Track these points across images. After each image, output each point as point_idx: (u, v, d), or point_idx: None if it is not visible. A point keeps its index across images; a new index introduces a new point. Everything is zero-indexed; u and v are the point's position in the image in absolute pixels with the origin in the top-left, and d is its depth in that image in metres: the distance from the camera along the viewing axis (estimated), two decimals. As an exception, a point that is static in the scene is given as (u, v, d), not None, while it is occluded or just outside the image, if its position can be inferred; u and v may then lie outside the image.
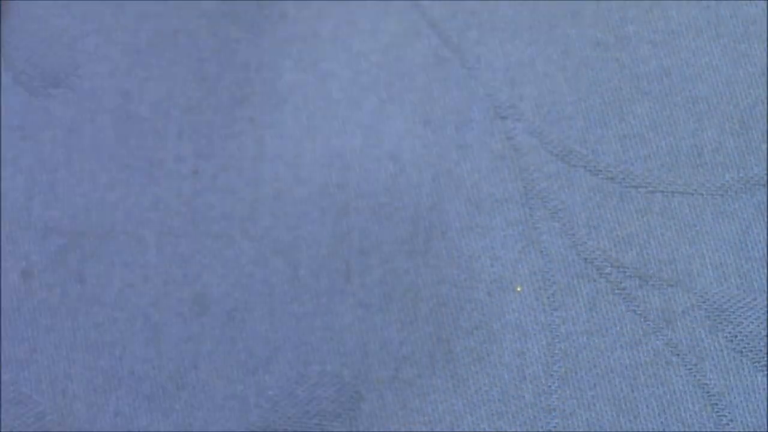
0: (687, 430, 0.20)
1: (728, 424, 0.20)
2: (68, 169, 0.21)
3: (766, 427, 0.20)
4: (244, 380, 0.20)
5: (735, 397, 0.20)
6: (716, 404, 0.20)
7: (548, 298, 0.20)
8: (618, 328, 0.20)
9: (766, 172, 0.21)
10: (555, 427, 0.20)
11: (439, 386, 0.20)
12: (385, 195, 0.21)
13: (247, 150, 0.21)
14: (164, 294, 0.21)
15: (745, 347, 0.20)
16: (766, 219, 0.21)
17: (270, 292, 0.20)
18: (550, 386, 0.20)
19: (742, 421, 0.20)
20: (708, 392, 0.20)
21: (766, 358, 0.20)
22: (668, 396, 0.20)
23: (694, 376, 0.20)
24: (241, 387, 0.20)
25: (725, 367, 0.20)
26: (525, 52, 0.22)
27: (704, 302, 0.20)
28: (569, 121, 0.21)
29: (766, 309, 0.20)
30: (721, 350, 0.20)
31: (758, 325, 0.20)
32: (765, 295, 0.20)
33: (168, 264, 0.21)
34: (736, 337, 0.20)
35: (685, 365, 0.20)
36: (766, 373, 0.20)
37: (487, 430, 0.20)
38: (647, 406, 0.20)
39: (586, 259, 0.21)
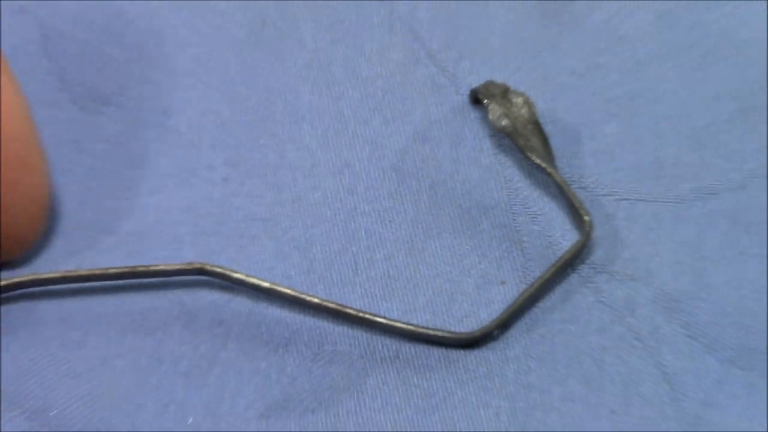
0: (646, 404, 0.20)
1: (682, 399, 0.20)
2: (116, 176, 0.22)
3: (714, 400, 0.20)
4: (267, 358, 0.20)
5: (688, 376, 0.20)
6: (671, 382, 0.20)
7: (523, 282, 0.21)
8: (588, 316, 0.20)
9: (717, 183, 0.22)
10: (533, 400, 0.20)
11: (433, 365, 0.20)
12: (388, 200, 0.22)
13: (270, 160, 0.22)
14: (198, 285, 0.21)
15: (697, 333, 0.20)
16: (716, 224, 0.21)
17: (289, 283, 0.21)
18: (529, 366, 0.20)
19: (693, 396, 0.20)
20: (664, 372, 0.20)
21: (714, 343, 0.20)
22: (630, 375, 0.20)
23: (653, 357, 0.20)
24: (265, 364, 0.20)
25: (679, 351, 0.20)
26: (510, 79, 0.22)
27: (662, 295, 0.21)
28: (553, 138, 0.22)
29: (715, 301, 0.20)
30: (676, 336, 0.20)
31: (708, 315, 0.20)
32: (715, 290, 0.21)
33: (201, 259, 0.21)
34: (689, 324, 0.20)
35: (645, 348, 0.20)
36: (714, 355, 0.20)
37: (474, 402, 0.20)
38: (612, 383, 0.20)
39: (554, 250, 0.21)
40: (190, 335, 0.21)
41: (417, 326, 0.20)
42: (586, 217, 0.20)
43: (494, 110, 0.20)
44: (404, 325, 0.20)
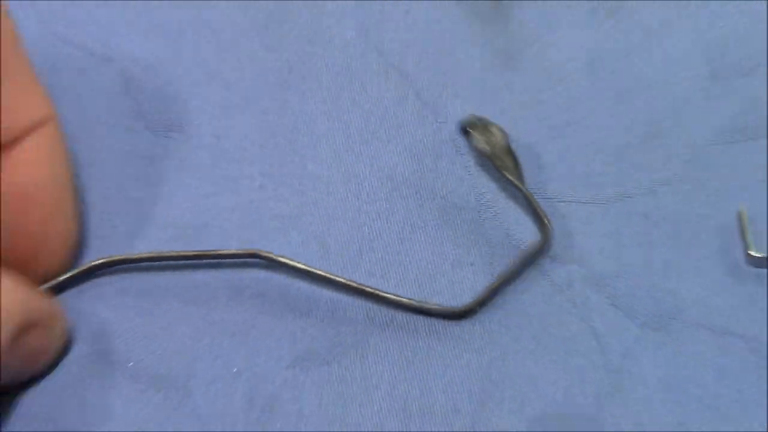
0: (580, 355, 0.19)
1: (608, 353, 0.19)
2: (179, 184, 0.22)
3: (632, 353, 0.19)
4: (293, 323, 0.20)
5: (611, 335, 0.20)
6: (599, 340, 0.20)
7: (492, 270, 0.21)
8: (536, 289, 0.20)
9: (633, 189, 0.21)
10: (491, 352, 0.19)
11: (420, 329, 0.20)
12: (385, 203, 0.22)
13: (295, 172, 0.22)
14: (237, 268, 0.21)
15: (618, 303, 0.20)
16: (632, 220, 0.21)
17: (308, 260, 0.20)
18: (491, 327, 0.20)
19: (616, 350, 0.19)
20: (594, 332, 0.20)
21: (632, 310, 0.20)
22: (568, 334, 0.20)
23: (585, 322, 0.20)
24: (292, 327, 0.20)
25: (605, 316, 0.20)
26: (476, 111, 0.22)
27: (592, 274, 0.20)
28: (504, 155, 0.21)
29: (632, 278, 0.20)
30: (603, 305, 0.20)
31: (627, 289, 0.20)
32: (631, 269, 0.20)
33: (244, 240, 0.21)
34: (612, 296, 0.20)
35: (579, 315, 0.20)
36: (632, 320, 0.20)
37: (450, 355, 0.19)
38: (555, 341, 0.20)
39: (515, 245, 0.21)
40: (236, 304, 0.20)
41: (415, 300, 0.20)
42: (547, 223, 0.20)
43: (477, 138, 0.20)
44: (405, 299, 0.20)
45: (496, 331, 0.20)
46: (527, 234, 0.21)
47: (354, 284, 0.20)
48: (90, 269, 0.20)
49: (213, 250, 0.20)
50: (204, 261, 0.21)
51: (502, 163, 0.20)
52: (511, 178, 0.20)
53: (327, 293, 0.21)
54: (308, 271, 0.20)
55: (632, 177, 0.21)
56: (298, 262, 0.20)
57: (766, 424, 0.18)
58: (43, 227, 0.18)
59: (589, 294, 0.20)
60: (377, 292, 0.20)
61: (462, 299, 0.20)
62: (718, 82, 0.22)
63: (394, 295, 0.20)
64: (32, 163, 0.17)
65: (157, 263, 0.21)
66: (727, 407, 0.19)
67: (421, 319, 0.20)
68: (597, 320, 0.20)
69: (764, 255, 0.20)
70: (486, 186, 0.22)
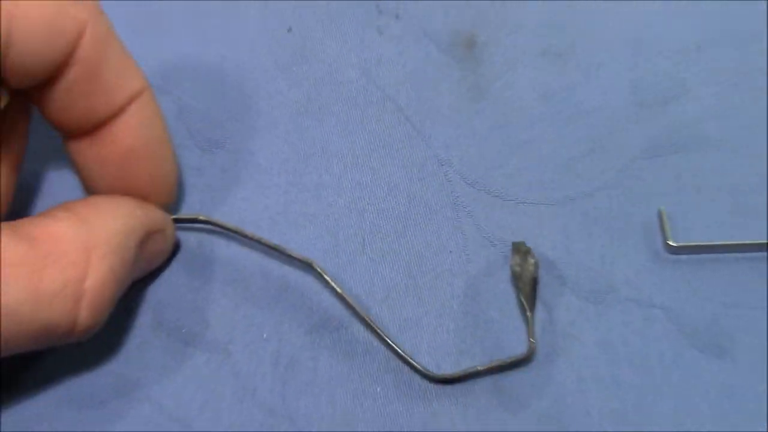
0: (537, 326, 0.19)
1: (556, 322, 0.19)
2: (223, 190, 0.21)
3: (576, 322, 0.19)
4: (310, 299, 0.20)
5: (560, 308, 0.19)
6: (552, 313, 0.19)
7: (466, 255, 0.20)
8: (500, 273, 0.20)
9: (576, 193, 0.21)
10: (456, 295, 0.19)
11: (408, 303, 0.19)
12: (383, 204, 0.21)
13: (313, 181, 0.21)
14: (271, 254, 0.20)
15: (565, 281, 0.20)
16: (575, 217, 0.21)
17: (324, 252, 0.20)
18: (465, 292, 0.19)
19: (563, 320, 0.19)
20: (547, 307, 0.19)
21: (576, 287, 0.19)
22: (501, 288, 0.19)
23: (540, 298, 0.19)
24: (309, 302, 0.19)
25: (554, 292, 0.19)
26: (456, 131, 0.22)
27: (544, 259, 0.20)
28: (477, 167, 0.21)
29: (575, 261, 0.20)
30: (553, 283, 0.19)
31: (571, 270, 0.20)
32: (574, 255, 0.20)
33: (272, 234, 0.20)
34: (560, 276, 0.20)
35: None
36: (576, 294, 0.19)
37: (434, 325, 0.19)
38: (494, 296, 0.19)
39: (484, 236, 0.20)
40: (265, 283, 0.20)
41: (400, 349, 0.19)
42: (533, 343, 0.18)
43: (515, 259, 0.19)
44: (399, 350, 0.18)
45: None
46: (493, 228, 0.21)
47: (371, 322, 0.19)
48: (193, 220, 0.19)
49: (273, 243, 0.19)
50: (271, 251, 0.20)
51: (522, 286, 0.19)
52: (522, 300, 0.19)
53: (338, 276, 0.20)
54: (341, 295, 0.19)
55: (576, 184, 0.21)
56: (338, 285, 0.19)
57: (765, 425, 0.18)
58: (151, 175, 0.18)
59: (542, 274, 0.20)
60: (387, 338, 0.19)
61: (443, 278, 0.20)
62: (643, 109, 0.22)
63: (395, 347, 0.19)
64: (136, 126, 0.17)
65: (234, 235, 0.20)
66: (650, 364, 0.19)
67: (409, 298, 0.20)
68: (547, 295, 0.20)
69: (679, 244, 0.20)
70: (461, 191, 0.21)
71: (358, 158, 0.22)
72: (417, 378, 0.19)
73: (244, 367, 0.19)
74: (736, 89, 0.21)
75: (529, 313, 0.19)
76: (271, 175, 0.21)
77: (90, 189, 0.18)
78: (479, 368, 0.18)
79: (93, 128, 0.17)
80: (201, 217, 0.20)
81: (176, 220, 0.20)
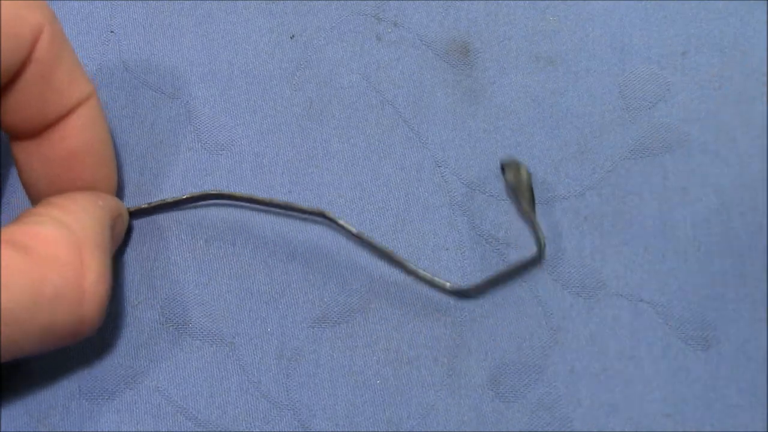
0: (530, 321, 0.19)
1: (550, 315, 0.19)
2: (229, 189, 0.21)
3: (568, 316, 0.19)
4: (312, 293, 0.20)
5: (554, 304, 0.19)
6: (545, 308, 0.19)
7: (459, 249, 0.20)
8: (494, 265, 0.20)
9: (566, 192, 0.21)
10: (462, 316, 0.19)
11: (409, 297, 0.20)
12: (382, 202, 0.21)
13: (315, 180, 0.21)
14: (274, 250, 0.20)
15: (559, 279, 0.20)
16: (566, 216, 0.20)
17: (324, 246, 0.20)
18: (463, 266, 0.20)
19: (558, 315, 0.19)
20: (540, 302, 0.19)
21: (568, 283, 0.19)
22: (520, 303, 0.19)
23: (533, 293, 0.20)
24: (311, 297, 0.20)
25: (549, 289, 0.20)
26: (451, 134, 0.22)
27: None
28: (472, 167, 0.21)
29: (566, 258, 0.20)
30: (547, 280, 0.20)
31: (565, 268, 0.20)
32: (564, 252, 0.20)
33: (276, 232, 0.20)
34: (555, 273, 0.20)
35: (529, 288, 0.20)
36: (568, 290, 0.19)
37: (432, 319, 0.19)
38: (510, 308, 0.19)
39: (479, 234, 0.21)
40: (269, 280, 0.20)
41: (423, 271, 0.19)
42: (542, 239, 0.19)
43: (509, 174, 0.20)
44: (415, 268, 0.19)
45: (465, 301, 0.20)
46: (488, 226, 0.21)
47: (389, 251, 0.19)
48: (204, 196, 0.19)
49: (284, 201, 0.20)
50: (274, 210, 0.20)
51: (521, 194, 0.19)
52: (524, 205, 0.19)
53: (339, 270, 0.20)
54: (358, 235, 0.19)
55: (566, 183, 0.21)
56: (352, 227, 0.19)
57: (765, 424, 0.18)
58: (94, 175, 0.18)
59: (536, 272, 0.20)
60: (406, 263, 0.19)
61: (439, 275, 0.20)
62: (630, 113, 0.22)
63: (411, 263, 0.19)
64: (83, 128, 0.17)
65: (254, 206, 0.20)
66: (639, 356, 0.19)
67: (411, 290, 0.20)
68: (541, 291, 0.20)
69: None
70: (456, 191, 0.21)
71: (357, 159, 0.21)
72: (415, 372, 0.19)
73: (249, 360, 0.19)
74: (719, 92, 0.21)
75: (533, 216, 0.19)
76: (275, 175, 0.21)
77: (32, 189, 0.18)
78: (497, 275, 0.18)
79: (42, 129, 0.17)
80: (212, 192, 0.20)
81: (189, 199, 0.20)
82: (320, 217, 0.19)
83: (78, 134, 0.17)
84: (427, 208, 0.21)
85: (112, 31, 0.22)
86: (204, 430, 0.18)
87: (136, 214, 0.20)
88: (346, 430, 0.18)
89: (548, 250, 0.20)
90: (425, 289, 0.20)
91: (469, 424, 0.18)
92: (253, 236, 0.21)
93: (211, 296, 0.20)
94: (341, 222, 0.19)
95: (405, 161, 0.22)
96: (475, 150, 0.21)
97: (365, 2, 0.23)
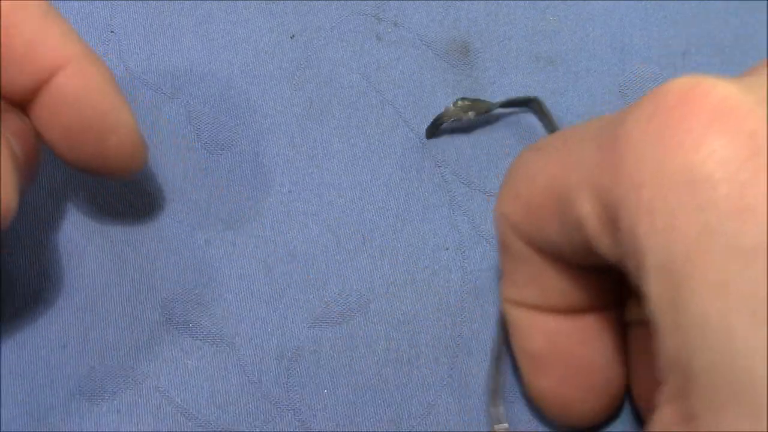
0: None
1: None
2: (229, 188, 0.21)
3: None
4: (313, 293, 0.20)
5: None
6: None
7: (459, 249, 0.20)
8: (494, 264, 0.20)
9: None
10: (461, 316, 0.19)
11: (408, 298, 0.19)
12: (382, 202, 0.21)
13: (315, 180, 0.21)
14: (273, 250, 0.20)
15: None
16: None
17: (324, 246, 0.20)
18: (460, 259, 0.19)
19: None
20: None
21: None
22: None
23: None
24: (312, 297, 0.19)
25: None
26: (451, 133, 0.21)
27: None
28: (472, 167, 0.21)
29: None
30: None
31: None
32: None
33: (276, 232, 0.20)
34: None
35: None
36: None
37: (431, 319, 0.19)
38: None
39: (479, 234, 0.20)
40: (269, 280, 0.20)
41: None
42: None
43: (458, 105, 0.20)
44: None
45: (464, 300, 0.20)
46: (488, 225, 0.21)
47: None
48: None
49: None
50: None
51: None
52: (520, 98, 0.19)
53: (339, 270, 0.20)
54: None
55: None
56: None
57: None
58: (109, 130, 0.17)
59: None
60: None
61: (439, 275, 0.20)
62: None
63: None
64: (71, 93, 0.16)
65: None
66: None
67: (411, 290, 0.20)
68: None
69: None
70: (456, 191, 0.21)
71: (358, 159, 0.21)
72: (416, 372, 0.19)
73: (249, 360, 0.19)
74: (719, 93, 0.21)
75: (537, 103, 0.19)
76: (275, 175, 0.21)
77: (61, 156, 0.17)
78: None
79: (28, 95, 0.16)
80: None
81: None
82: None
83: (66, 101, 0.16)
84: (427, 208, 0.21)
85: (112, 31, 0.22)
86: (204, 430, 0.18)
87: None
88: (347, 430, 0.18)
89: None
90: (425, 289, 0.20)
91: (470, 424, 0.18)
92: (253, 236, 0.20)
93: (211, 296, 0.20)
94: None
95: (405, 161, 0.21)
96: (476, 150, 0.21)
97: (365, 2, 0.23)
